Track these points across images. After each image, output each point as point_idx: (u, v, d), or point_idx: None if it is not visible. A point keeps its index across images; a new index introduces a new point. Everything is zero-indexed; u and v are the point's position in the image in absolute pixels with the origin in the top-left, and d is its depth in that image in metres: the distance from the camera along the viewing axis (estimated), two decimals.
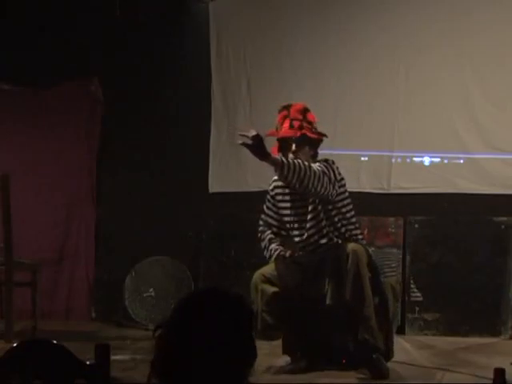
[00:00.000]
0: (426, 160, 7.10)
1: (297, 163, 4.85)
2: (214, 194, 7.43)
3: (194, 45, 7.50)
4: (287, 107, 5.27)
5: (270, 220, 5.43)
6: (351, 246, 5.05)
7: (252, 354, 2.08)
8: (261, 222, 5.48)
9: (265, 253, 5.37)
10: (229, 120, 7.46)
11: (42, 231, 7.47)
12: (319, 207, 5.17)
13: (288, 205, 5.30)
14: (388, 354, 5.15)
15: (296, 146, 5.16)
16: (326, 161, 5.17)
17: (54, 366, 2.40)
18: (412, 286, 6.82)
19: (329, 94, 7.08)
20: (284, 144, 5.18)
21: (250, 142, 4.75)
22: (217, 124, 7.49)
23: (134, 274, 7.25)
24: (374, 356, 5.01)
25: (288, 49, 7.31)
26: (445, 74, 6.94)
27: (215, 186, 7.44)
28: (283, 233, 5.42)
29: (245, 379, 2.06)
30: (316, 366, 5.14)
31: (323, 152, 5.36)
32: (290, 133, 5.17)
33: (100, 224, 7.63)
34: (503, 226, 6.75)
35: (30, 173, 7.41)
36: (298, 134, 5.16)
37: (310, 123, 5.23)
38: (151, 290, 7.25)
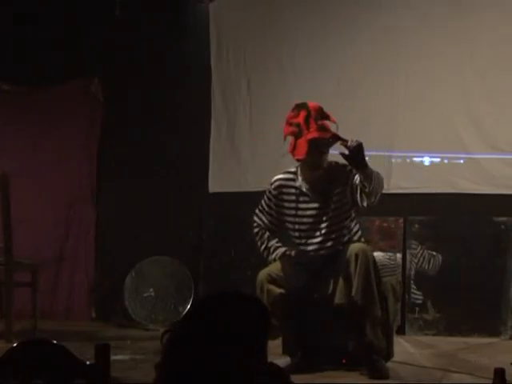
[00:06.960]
0: (426, 160, 7.10)
1: (376, 173, 4.91)
2: (213, 193, 7.42)
3: (194, 45, 7.49)
4: (305, 107, 5.11)
5: (269, 218, 5.31)
6: (358, 245, 5.04)
7: (264, 356, 2.08)
8: (256, 219, 5.35)
9: (262, 249, 5.29)
10: (229, 120, 7.45)
11: (42, 231, 7.47)
12: (334, 212, 5.14)
13: (296, 205, 5.20)
14: (388, 354, 5.15)
15: (326, 148, 5.11)
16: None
17: (54, 365, 2.40)
18: (412, 286, 6.82)
19: (329, 94, 7.06)
20: (313, 146, 5.07)
21: (346, 151, 4.80)
22: (217, 124, 7.48)
23: (133, 274, 7.24)
24: (374, 356, 5.01)
25: (288, 49, 7.31)
26: (445, 74, 6.94)
27: (215, 186, 7.43)
28: (281, 231, 5.35)
29: (256, 380, 2.06)
30: (316, 366, 5.14)
31: None
32: (323, 134, 5.06)
33: (100, 224, 7.63)
34: (503, 226, 6.75)
35: (30, 173, 7.41)
36: (329, 135, 5.07)
37: (329, 123, 5.14)
38: (151, 290, 7.25)
